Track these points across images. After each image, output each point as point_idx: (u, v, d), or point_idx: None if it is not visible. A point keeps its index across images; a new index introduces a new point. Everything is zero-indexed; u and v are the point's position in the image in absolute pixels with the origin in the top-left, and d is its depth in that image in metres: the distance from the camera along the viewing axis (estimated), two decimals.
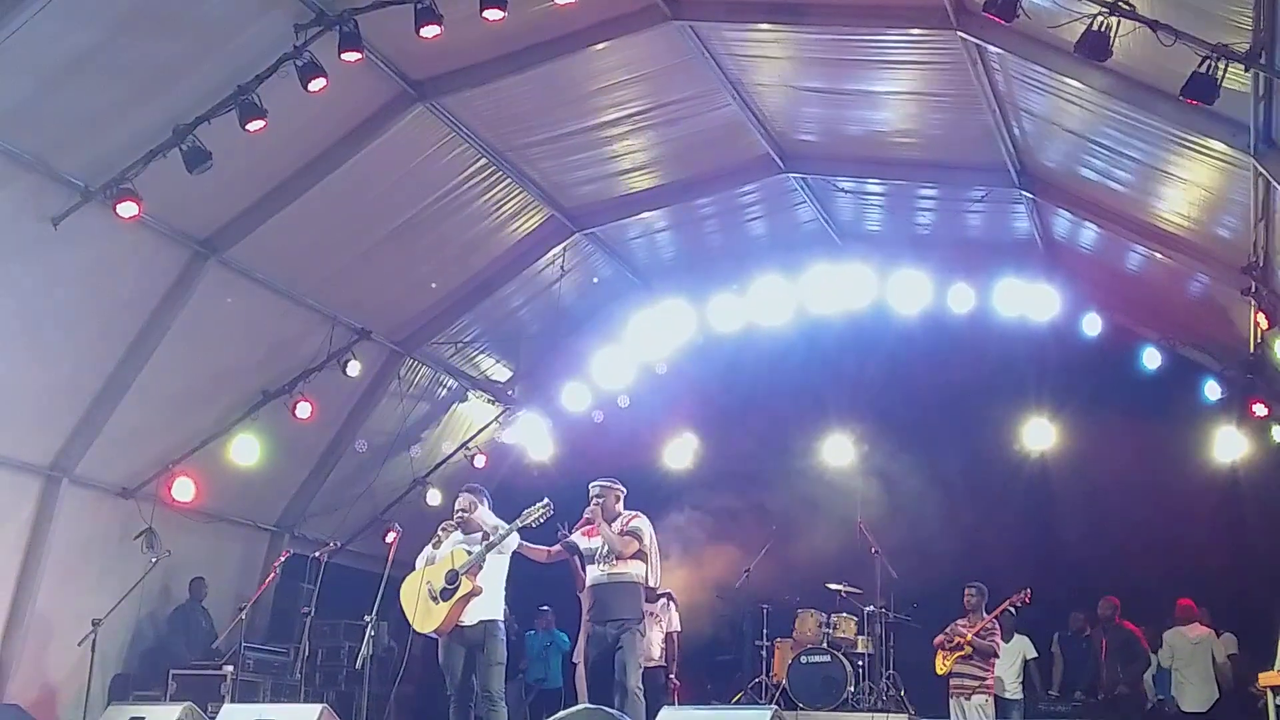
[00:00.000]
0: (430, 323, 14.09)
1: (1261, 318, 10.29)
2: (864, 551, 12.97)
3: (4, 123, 9.08)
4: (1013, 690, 12.91)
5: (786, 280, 14.44)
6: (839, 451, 15.05)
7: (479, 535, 9.08)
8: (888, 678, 12.54)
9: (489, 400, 15.85)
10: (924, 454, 14.17)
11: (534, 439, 15.58)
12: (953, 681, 11.77)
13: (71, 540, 11.63)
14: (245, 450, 12.66)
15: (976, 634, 11.61)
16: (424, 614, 9.02)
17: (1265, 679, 9.09)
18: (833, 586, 13.09)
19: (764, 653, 13.09)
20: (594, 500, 9.58)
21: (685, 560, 13.90)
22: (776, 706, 9.57)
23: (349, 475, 14.49)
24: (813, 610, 13.01)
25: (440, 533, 9.39)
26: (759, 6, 10.41)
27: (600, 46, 10.72)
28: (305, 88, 9.22)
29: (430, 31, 8.90)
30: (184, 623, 12.80)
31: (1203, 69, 7.41)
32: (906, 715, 11.49)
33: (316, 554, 11.51)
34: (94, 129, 9.59)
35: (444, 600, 8.92)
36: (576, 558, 9.79)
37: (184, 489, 12.40)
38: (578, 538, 9.69)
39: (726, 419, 15.59)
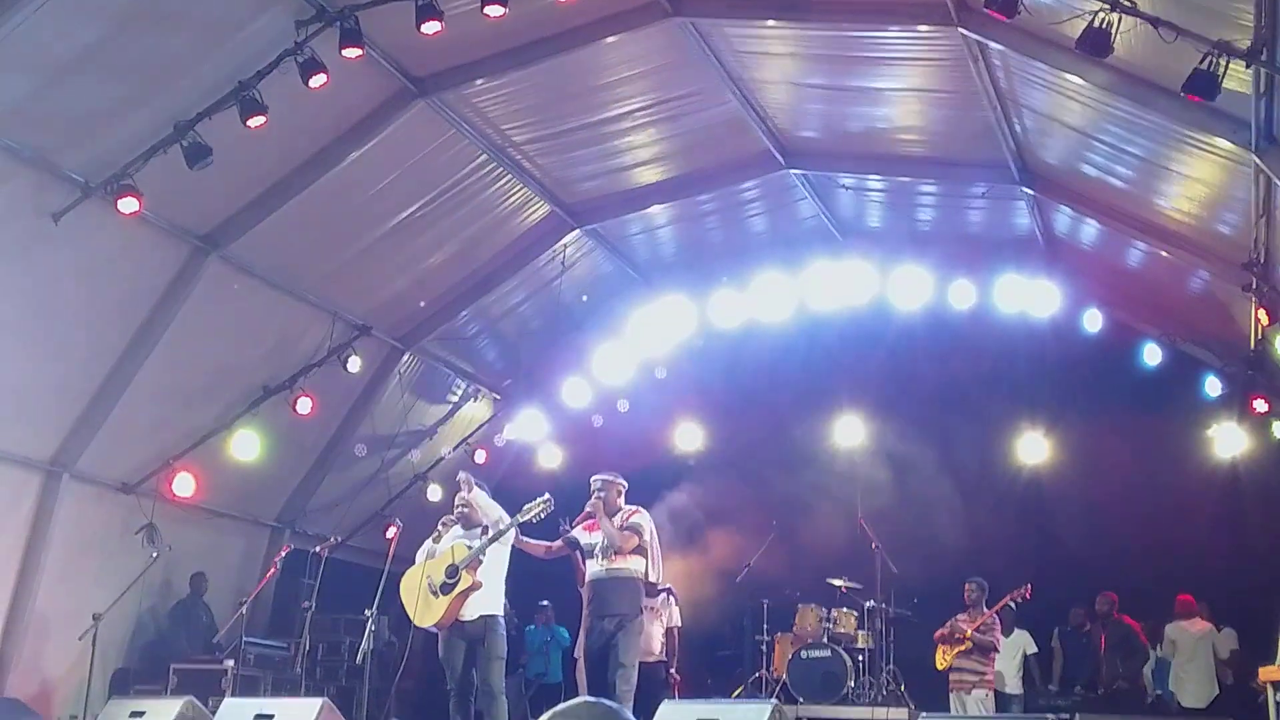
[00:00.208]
0: (431, 319, 14.09)
1: (1262, 314, 10.30)
2: (864, 547, 12.97)
3: (4, 119, 9.08)
4: (1013, 685, 12.94)
5: (787, 276, 14.40)
6: (840, 447, 15.02)
7: (479, 529, 9.09)
8: (888, 673, 12.54)
9: (489, 396, 15.86)
10: (924, 450, 14.15)
11: (534, 435, 15.59)
12: (953, 676, 11.79)
13: (72, 535, 11.63)
14: (246, 446, 12.66)
15: (977, 629, 11.64)
16: (424, 608, 9.03)
17: (1265, 674, 9.10)
18: (833, 582, 13.10)
19: (764, 647, 13.09)
20: (596, 494, 9.59)
21: (686, 555, 13.91)
22: (777, 701, 9.55)
23: (349, 471, 14.50)
24: (813, 605, 13.01)
25: (440, 527, 9.40)
26: (760, 3, 10.40)
27: (601, 43, 10.71)
28: (306, 84, 9.22)
29: (431, 28, 8.89)
30: (185, 617, 12.81)
31: (1204, 65, 7.41)
32: (907, 710, 11.49)
33: (317, 549, 11.53)
34: (95, 125, 9.60)
35: (444, 595, 8.93)
36: (578, 553, 9.80)
37: (184, 484, 12.40)
38: (578, 532, 9.70)
39: (727, 415, 15.58)
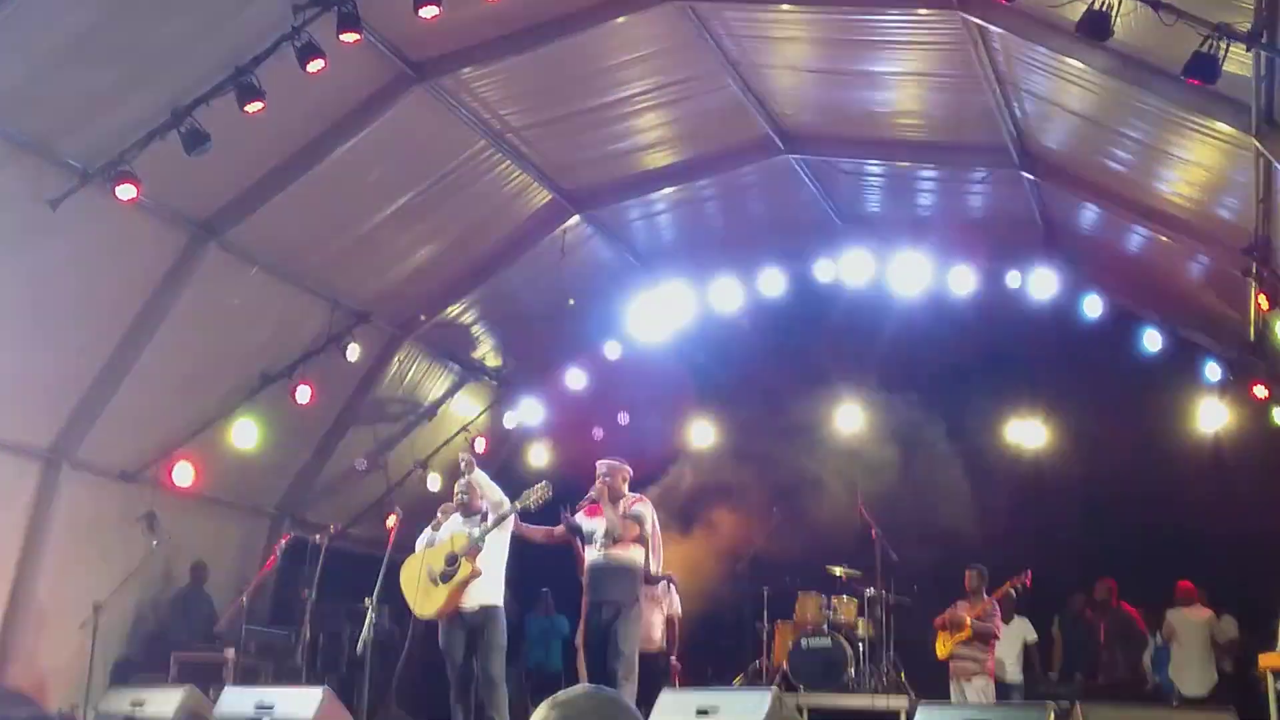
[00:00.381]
0: (430, 305, 14.05)
1: (1262, 299, 10.27)
2: (864, 534, 12.96)
3: (0, 105, 9.04)
4: (1013, 673, 12.92)
5: (787, 261, 14.39)
6: (839, 433, 15.03)
7: (478, 517, 9.07)
8: (888, 661, 12.54)
9: (489, 383, 15.83)
10: (924, 436, 14.16)
11: (533, 421, 15.56)
12: (953, 664, 11.78)
13: (72, 524, 11.61)
14: (245, 434, 12.66)
15: (977, 617, 11.62)
16: (424, 598, 9.01)
17: (1265, 660, 9.10)
18: (833, 570, 13.08)
19: (764, 635, 13.09)
20: (601, 479, 9.57)
21: (685, 542, 13.90)
22: (777, 689, 9.54)
23: (349, 460, 14.48)
24: (813, 593, 13.00)
25: (440, 515, 9.38)
26: None
27: (600, 27, 10.67)
28: (304, 69, 9.15)
29: (429, 12, 8.85)
30: (185, 606, 12.80)
31: (1204, 49, 7.36)
32: (907, 698, 11.48)
33: (317, 538, 11.49)
34: (92, 111, 9.54)
35: (444, 583, 8.91)
36: (578, 539, 9.79)
37: (184, 473, 12.41)
38: (580, 517, 9.68)
39: (726, 401, 15.59)
